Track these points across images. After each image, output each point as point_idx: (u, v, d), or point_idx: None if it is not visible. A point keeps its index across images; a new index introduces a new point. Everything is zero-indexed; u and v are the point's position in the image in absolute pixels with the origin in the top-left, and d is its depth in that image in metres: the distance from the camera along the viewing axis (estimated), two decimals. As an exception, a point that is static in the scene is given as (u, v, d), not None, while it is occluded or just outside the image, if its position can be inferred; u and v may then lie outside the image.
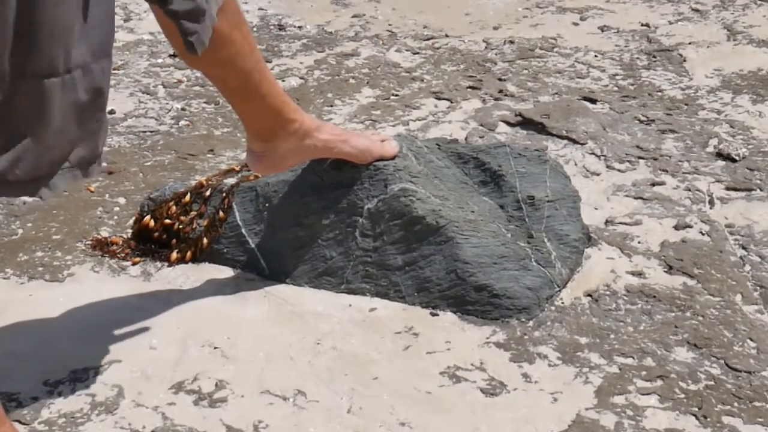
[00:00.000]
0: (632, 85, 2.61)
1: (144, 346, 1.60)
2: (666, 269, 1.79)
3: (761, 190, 2.06)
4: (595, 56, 2.81)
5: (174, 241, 1.84)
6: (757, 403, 1.46)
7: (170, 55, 2.80)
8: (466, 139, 2.28)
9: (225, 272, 1.79)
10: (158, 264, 1.82)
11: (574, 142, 2.26)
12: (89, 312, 1.68)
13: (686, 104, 2.48)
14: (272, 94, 1.55)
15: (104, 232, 1.92)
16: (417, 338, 1.62)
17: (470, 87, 2.60)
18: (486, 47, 2.88)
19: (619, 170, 2.14)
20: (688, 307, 1.68)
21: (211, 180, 1.88)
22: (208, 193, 1.84)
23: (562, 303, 1.70)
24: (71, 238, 1.90)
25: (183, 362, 1.56)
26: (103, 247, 1.86)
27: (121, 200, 2.04)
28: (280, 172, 1.73)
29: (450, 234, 1.69)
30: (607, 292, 1.73)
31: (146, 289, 1.75)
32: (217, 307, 1.70)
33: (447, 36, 2.99)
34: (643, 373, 1.53)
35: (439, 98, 2.53)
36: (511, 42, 2.90)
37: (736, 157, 2.18)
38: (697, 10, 3.14)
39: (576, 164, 2.17)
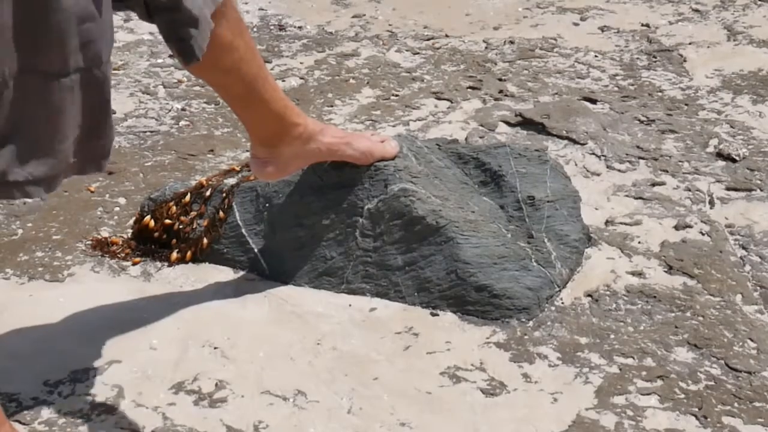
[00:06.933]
0: (632, 85, 2.61)
1: (144, 346, 1.60)
2: (666, 269, 1.79)
3: (761, 190, 2.06)
4: (596, 56, 2.80)
5: (174, 241, 1.84)
6: (757, 404, 1.46)
7: (170, 56, 2.80)
8: (466, 139, 2.28)
9: (225, 272, 1.79)
10: (158, 264, 1.82)
11: (575, 142, 2.26)
12: (89, 312, 1.68)
13: (686, 104, 2.48)
14: (275, 99, 1.54)
15: (104, 232, 1.92)
16: (417, 338, 1.62)
17: (470, 87, 2.60)
18: (486, 47, 2.88)
19: (619, 170, 2.14)
20: (688, 307, 1.68)
21: (211, 180, 1.88)
22: (208, 193, 1.84)
23: (562, 303, 1.70)
24: (71, 238, 1.90)
25: (183, 362, 1.56)
26: (103, 247, 1.86)
27: (121, 200, 2.04)
28: (285, 176, 1.73)
29: (450, 234, 1.69)
30: (607, 292, 1.73)
31: (146, 289, 1.75)
32: (217, 308, 1.70)
33: (447, 36, 2.99)
34: (643, 373, 1.53)
35: (439, 98, 2.53)
36: (511, 42, 2.90)
37: (736, 158, 2.18)
38: (697, 11, 3.14)
39: (576, 164, 2.16)
